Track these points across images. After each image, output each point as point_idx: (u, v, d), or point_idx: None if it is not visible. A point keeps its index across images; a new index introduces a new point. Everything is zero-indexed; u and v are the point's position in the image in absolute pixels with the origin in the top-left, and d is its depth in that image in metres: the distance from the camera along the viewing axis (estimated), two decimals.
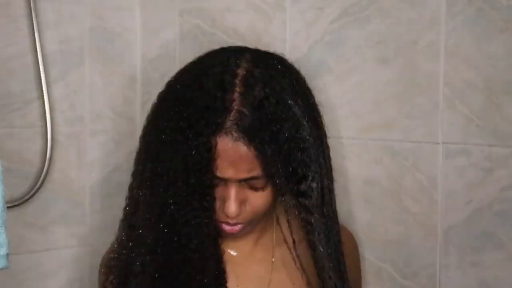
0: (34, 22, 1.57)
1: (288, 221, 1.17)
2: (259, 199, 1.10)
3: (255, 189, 1.09)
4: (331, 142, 1.38)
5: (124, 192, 1.58)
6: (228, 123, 1.05)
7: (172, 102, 1.11)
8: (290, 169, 1.07)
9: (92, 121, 1.70)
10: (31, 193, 1.58)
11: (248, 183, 1.08)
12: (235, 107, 1.05)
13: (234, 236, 1.14)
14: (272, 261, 1.19)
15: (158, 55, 1.72)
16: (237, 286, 1.15)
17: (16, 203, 1.56)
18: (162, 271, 1.10)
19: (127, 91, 1.75)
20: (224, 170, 1.06)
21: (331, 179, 1.16)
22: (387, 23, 1.29)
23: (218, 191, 1.08)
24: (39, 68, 1.58)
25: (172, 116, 1.09)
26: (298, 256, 1.17)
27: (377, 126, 1.31)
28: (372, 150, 1.32)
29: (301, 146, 1.08)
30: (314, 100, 1.15)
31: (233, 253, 1.19)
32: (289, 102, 1.08)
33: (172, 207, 1.08)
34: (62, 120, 1.65)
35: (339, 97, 1.37)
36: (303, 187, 1.09)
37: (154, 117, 1.14)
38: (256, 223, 1.15)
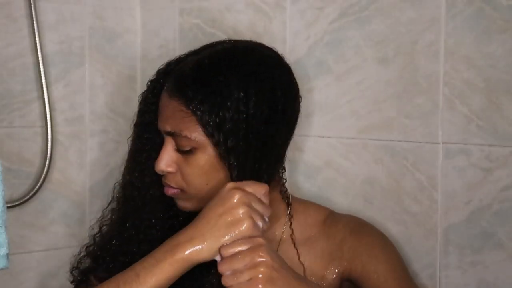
0: (34, 22, 1.57)
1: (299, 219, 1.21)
2: (188, 165, 1.12)
3: (183, 152, 1.12)
4: (331, 142, 1.38)
5: None
6: (170, 81, 1.14)
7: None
8: (216, 138, 1.09)
9: (92, 121, 1.70)
10: (31, 193, 1.58)
11: (178, 146, 1.12)
12: (184, 67, 1.13)
13: (183, 207, 1.17)
14: None
15: (158, 55, 1.72)
16: None
17: (16, 203, 1.56)
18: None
19: (127, 91, 1.75)
20: (163, 124, 1.14)
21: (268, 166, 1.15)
22: (387, 23, 1.29)
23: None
24: (39, 68, 1.58)
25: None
26: (301, 251, 1.19)
27: (377, 126, 1.31)
28: (372, 150, 1.32)
29: (231, 119, 1.09)
30: (280, 95, 1.14)
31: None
32: (230, 79, 1.10)
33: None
34: (62, 120, 1.65)
35: (339, 97, 1.36)
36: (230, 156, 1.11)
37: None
38: (197, 202, 1.14)
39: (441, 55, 1.22)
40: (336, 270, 1.20)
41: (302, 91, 1.41)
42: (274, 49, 1.19)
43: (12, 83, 1.57)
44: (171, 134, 1.12)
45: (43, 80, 1.58)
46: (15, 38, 1.57)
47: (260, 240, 1.03)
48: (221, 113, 1.08)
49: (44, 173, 1.59)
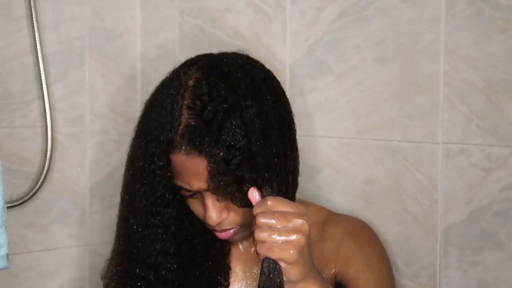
0: (34, 22, 1.57)
1: None
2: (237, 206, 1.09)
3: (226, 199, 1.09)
4: (331, 142, 1.38)
5: None
6: (178, 138, 1.06)
7: (140, 122, 1.15)
8: (243, 175, 1.05)
9: (92, 121, 1.70)
10: (31, 193, 1.58)
11: (218, 198, 1.08)
12: (183, 120, 1.06)
13: (236, 240, 1.15)
14: None
15: (158, 55, 1.72)
16: (235, 281, 1.15)
17: (16, 203, 1.56)
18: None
19: (127, 91, 1.75)
20: (192, 183, 1.07)
21: (294, 180, 1.15)
22: (387, 23, 1.29)
23: (195, 203, 1.11)
24: (39, 68, 1.58)
25: (137, 137, 1.14)
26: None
27: (377, 126, 1.31)
28: (372, 150, 1.32)
29: (252, 151, 1.06)
30: (278, 100, 1.13)
31: (240, 247, 1.20)
32: (238, 104, 1.07)
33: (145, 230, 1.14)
34: (62, 120, 1.65)
35: (339, 97, 1.36)
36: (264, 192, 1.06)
37: (133, 136, 1.18)
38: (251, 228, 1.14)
39: (441, 55, 1.22)
40: (332, 272, 1.20)
41: (302, 91, 1.42)
42: (249, 57, 1.17)
43: (12, 83, 1.57)
44: (208, 190, 1.08)
45: (43, 80, 1.58)
46: (15, 38, 1.57)
47: (306, 211, 1.00)
48: (243, 156, 1.05)
49: (44, 173, 1.59)
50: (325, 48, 1.38)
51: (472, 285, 1.20)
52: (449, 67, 1.21)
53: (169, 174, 1.09)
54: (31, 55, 1.59)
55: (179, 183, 1.09)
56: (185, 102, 1.07)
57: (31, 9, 1.56)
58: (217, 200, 1.08)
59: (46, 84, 1.58)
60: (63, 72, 1.65)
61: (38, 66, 1.58)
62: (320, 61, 1.39)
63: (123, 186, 1.19)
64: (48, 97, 1.59)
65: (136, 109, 1.75)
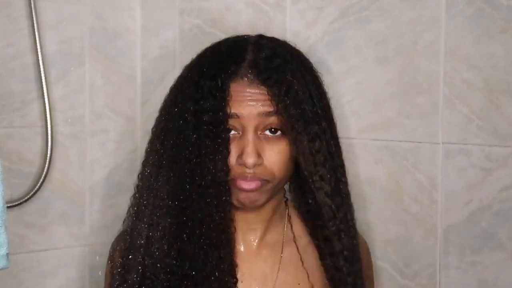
0: (34, 22, 1.57)
1: (299, 219, 1.21)
2: (275, 153, 1.11)
3: (270, 139, 1.11)
4: None
5: (124, 192, 1.59)
6: (242, 69, 1.11)
7: (187, 72, 1.17)
8: (303, 120, 1.10)
9: (92, 121, 1.70)
10: (31, 193, 1.58)
11: (264, 134, 1.10)
12: (248, 58, 1.12)
13: (249, 203, 1.13)
14: (280, 260, 1.19)
15: (158, 55, 1.72)
16: (241, 282, 1.14)
17: (16, 203, 1.56)
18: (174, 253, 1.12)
19: (127, 91, 1.75)
20: (241, 108, 1.09)
21: (339, 154, 1.18)
22: (387, 23, 1.29)
23: (234, 145, 1.11)
24: (39, 68, 1.58)
25: (187, 81, 1.15)
26: (303, 257, 1.18)
27: (377, 126, 1.31)
28: (372, 150, 1.32)
29: (313, 103, 1.13)
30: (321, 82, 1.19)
31: (240, 248, 1.18)
32: (299, 68, 1.14)
33: (189, 174, 1.11)
34: (62, 120, 1.65)
35: (339, 97, 1.36)
36: (317, 145, 1.11)
37: (170, 95, 1.19)
38: (270, 195, 1.14)
39: (441, 55, 1.22)
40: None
41: None
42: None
43: (12, 83, 1.57)
44: (266, 115, 1.10)
45: (43, 80, 1.58)
46: (15, 38, 1.57)
47: None
48: (303, 106, 1.11)
49: (44, 173, 1.59)
50: (325, 48, 1.38)
51: (472, 285, 1.20)
52: (449, 67, 1.21)
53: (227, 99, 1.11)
54: (31, 55, 1.59)
55: (233, 110, 1.10)
56: (249, 48, 1.14)
57: (31, 9, 1.56)
58: (258, 138, 1.11)
59: (46, 84, 1.58)
60: (63, 72, 1.65)
61: (38, 66, 1.58)
62: (320, 61, 1.39)
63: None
64: (48, 97, 1.59)
65: (136, 109, 1.75)
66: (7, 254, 1.16)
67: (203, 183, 1.10)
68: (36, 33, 1.57)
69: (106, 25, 1.71)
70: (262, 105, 1.10)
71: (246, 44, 1.15)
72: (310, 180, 1.12)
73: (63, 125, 1.65)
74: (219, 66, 1.13)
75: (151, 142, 1.18)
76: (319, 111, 1.13)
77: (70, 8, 1.65)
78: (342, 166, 1.18)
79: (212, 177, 1.09)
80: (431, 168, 1.24)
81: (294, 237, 1.20)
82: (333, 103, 1.37)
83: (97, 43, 1.70)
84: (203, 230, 1.10)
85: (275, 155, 1.11)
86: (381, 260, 1.31)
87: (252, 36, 1.18)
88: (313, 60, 1.40)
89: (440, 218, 1.23)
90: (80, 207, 1.68)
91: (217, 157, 1.09)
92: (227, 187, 1.10)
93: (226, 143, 1.10)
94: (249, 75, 1.11)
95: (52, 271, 1.65)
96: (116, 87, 1.73)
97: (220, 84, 1.10)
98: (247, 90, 1.10)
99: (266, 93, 1.10)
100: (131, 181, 1.75)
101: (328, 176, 1.13)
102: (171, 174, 1.12)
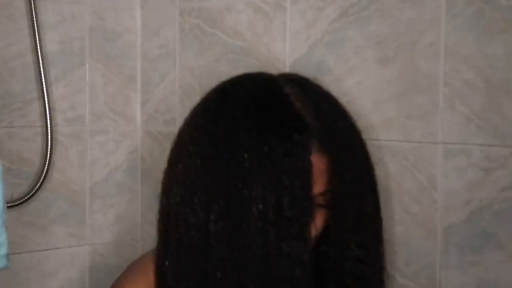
0: (34, 22, 1.57)
1: None
2: (321, 218, 1.04)
3: (319, 206, 1.02)
4: None
5: (124, 192, 1.58)
6: (311, 139, 1.00)
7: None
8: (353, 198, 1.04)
9: (92, 121, 1.70)
10: (31, 193, 1.58)
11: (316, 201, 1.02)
12: (309, 122, 1.01)
13: None
14: None
15: (158, 55, 1.72)
16: None
17: (16, 203, 1.56)
18: None
19: (127, 91, 1.75)
20: (322, 187, 1.01)
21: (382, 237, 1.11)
22: (387, 23, 1.29)
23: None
24: (39, 68, 1.58)
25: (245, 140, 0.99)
26: None
27: (377, 126, 1.31)
28: (372, 150, 1.32)
29: (365, 178, 1.06)
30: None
31: None
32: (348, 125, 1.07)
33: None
34: (62, 120, 1.65)
35: (339, 97, 1.36)
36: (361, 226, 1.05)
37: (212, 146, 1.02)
38: None
39: (441, 55, 1.22)
40: None
41: None
42: None
43: (12, 83, 1.57)
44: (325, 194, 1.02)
45: (43, 80, 1.58)
46: (15, 38, 1.58)
47: None
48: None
49: (44, 173, 1.59)
50: (325, 48, 1.38)
51: (472, 285, 1.20)
52: (449, 67, 1.21)
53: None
54: (31, 55, 1.59)
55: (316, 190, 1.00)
56: (298, 105, 1.02)
57: (31, 9, 1.56)
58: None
59: (46, 84, 1.58)
60: (63, 72, 1.65)
61: (38, 66, 1.58)
62: (320, 61, 1.39)
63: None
64: (48, 97, 1.59)
65: (136, 109, 1.76)
66: (7, 254, 1.16)
67: None
68: (36, 33, 1.57)
69: (106, 25, 1.71)
70: (324, 184, 1.01)
71: (290, 99, 1.02)
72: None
73: (63, 125, 1.65)
74: (291, 137, 0.98)
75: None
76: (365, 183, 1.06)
77: (70, 8, 1.65)
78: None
79: None
80: (431, 168, 1.24)
81: None
82: None
83: (97, 43, 1.70)
84: None
85: (320, 221, 1.03)
86: None
87: (280, 81, 1.05)
88: (313, 60, 1.40)
89: (440, 218, 1.23)
90: (80, 207, 1.68)
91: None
92: None
93: None
94: (316, 145, 0.99)
95: (52, 271, 1.65)
96: (116, 87, 1.73)
97: (303, 161, 0.98)
98: (316, 163, 0.99)
99: (329, 166, 1.00)
100: (131, 181, 1.75)
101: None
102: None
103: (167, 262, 1.03)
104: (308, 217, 0.98)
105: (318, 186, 1.00)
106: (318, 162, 0.99)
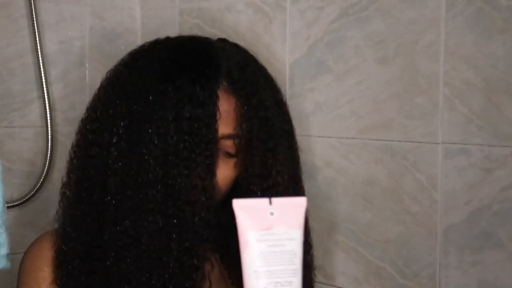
0: (34, 22, 1.57)
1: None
2: (229, 168, 1.05)
3: (228, 154, 1.05)
4: (331, 142, 1.39)
5: None
6: (221, 76, 1.03)
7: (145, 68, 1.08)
8: (263, 142, 1.05)
9: None
10: (31, 193, 1.58)
11: (223, 147, 1.04)
12: (224, 64, 1.05)
13: None
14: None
15: None
16: None
17: (16, 203, 1.55)
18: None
19: None
20: (228, 127, 1.03)
21: (298, 179, 1.14)
22: (387, 23, 1.29)
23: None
24: (39, 68, 1.58)
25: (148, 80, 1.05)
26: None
27: (377, 126, 1.31)
28: (372, 150, 1.32)
29: (275, 127, 1.06)
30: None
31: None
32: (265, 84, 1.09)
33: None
34: (62, 120, 1.64)
35: (339, 97, 1.36)
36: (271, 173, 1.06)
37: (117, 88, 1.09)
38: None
39: (441, 55, 1.22)
40: None
41: (302, 91, 1.42)
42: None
43: (12, 83, 1.57)
44: (233, 137, 1.04)
45: (43, 80, 1.58)
46: (15, 38, 1.57)
47: None
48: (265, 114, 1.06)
49: (44, 173, 1.59)
50: (325, 48, 1.38)
51: (472, 285, 1.20)
52: (449, 67, 1.21)
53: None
54: (31, 55, 1.59)
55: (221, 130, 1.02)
56: (219, 52, 1.08)
57: (31, 9, 1.56)
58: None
59: (46, 84, 1.58)
60: (63, 72, 1.65)
61: (38, 66, 1.58)
62: (320, 61, 1.39)
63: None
64: (48, 97, 1.59)
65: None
66: (7, 254, 1.16)
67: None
68: (36, 33, 1.57)
69: (106, 25, 1.71)
70: (234, 127, 1.04)
71: (214, 49, 1.08)
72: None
73: (63, 125, 1.65)
74: (192, 69, 1.03)
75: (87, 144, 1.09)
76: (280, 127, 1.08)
77: (70, 8, 1.65)
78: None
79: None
80: (431, 168, 1.24)
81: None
82: (333, 103, 1.37)
83: (97, 43, 1.70)
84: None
85: (227, 170, 1.06)
86: (381, 260, 1.31)
87: (215, 40, 1.13)
88: (313, 60, 1.40)
89: (440, 218, 1.23)
90: None
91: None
92: None
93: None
94: (225, 86, 1.03)
95: None
96: None
97: (209, 95, 1.01)
98: (225, 103, 1.02)
99: (239, 110, 1.03)
100: None
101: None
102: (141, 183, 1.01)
103: (67, 192, 1.11)
104: (210, 147, 1.00)
105: (225, 127, 1.02)
106: (225, 101, 1.02)
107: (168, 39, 1.14)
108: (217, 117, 1.00)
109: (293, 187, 1.11)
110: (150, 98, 1.02)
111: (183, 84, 1.01)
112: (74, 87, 1.66)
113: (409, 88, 1.27)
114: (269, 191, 1.05)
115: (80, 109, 1.68)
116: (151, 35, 1.75)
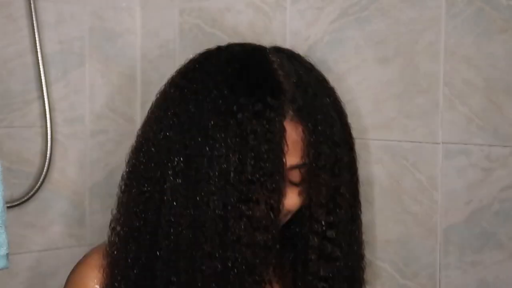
0: (34, 22, 1.57)
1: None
2: (295, 196, 0.99)
3: (291, 183, 0.97)
4: None
5: None
6: (286, 104, 0.95)
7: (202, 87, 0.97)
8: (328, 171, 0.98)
9: (92, 121, 1.70)
10: (31, 193, 1.58)
11: (288, 178, 0.97)
12: (286, 88, 0.96)
13: None
14: None
15: (158, 55, 1.72)
16: None
17: (16, 203, 1.56)
18: None
19: (127, 91, 1.75)
20: (296, 158, 0.96)
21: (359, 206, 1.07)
22: (387, 23, 1.29)
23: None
24: (39, 68, 1.58)
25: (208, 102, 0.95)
26: None
27: (377, 126, 1.31)
28: (372, 150, 1.32)
29: (342, 152, 1.00)
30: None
31: None
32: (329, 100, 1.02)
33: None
34: (62, 120, 1.65)
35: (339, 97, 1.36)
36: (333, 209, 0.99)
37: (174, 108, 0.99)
38: None
39: (441, 55, 1.22)
40: None
41: None
42: None
43: (12, 83, 1.57)
44: (300, 167, 0.97)
45: (43, 80, 1.58)
46: (15, 38, 1.58)
47: None
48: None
49: (44, 173, 1.59)
50: (325, 48, 1.38)
51: (472, 285, 1.20)
52: (449, 67, 1.21)
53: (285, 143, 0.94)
54: (31, 55, 1.59)
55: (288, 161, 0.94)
56: (280, 73, 0.97)
57: (31, 9, 1.56)
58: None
59: (46, 84, 1.59)
60: (63, 72, 1.65)
61: (38, 66, 1.58)
62: (320, 61, 1.39)
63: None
64: (48, 97, 1.59)
65: (136, 109, 1.76)
66: (7, 254, 1.16)
67: None
68: (36, 33, 1.57)
69: (106, 25, 1.71)
70: (300, 156, 0.96)
71: (272, 65, 0.98)
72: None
73: (63, 125, 1.65)
74: (254, 99, 0.93)
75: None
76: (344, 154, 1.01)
77: (70, 8, 1.65)
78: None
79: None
80: (431, 168, 1.24)
81: None
82: None
83: (97, 43, 1.70)
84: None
85: (294, 198, 0.99)
86: (381, 260, 1.31)
87: (270, 51, 1.02)
88: (313, 60, 1.40)
89: (440, 218, 1.23)
90: (80, 207, 1.68)
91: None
92: None
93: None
94: (291, 113, 0.95)
95: (52, 271, 1.65)
96: (116, 87, 1.73)
97: (275, 126, 0.92)
98: (291, 132, 0.94)
99: (305, 138, 0.95)
100: None
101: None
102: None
103: (118, 227, 1.04)
104: (276, 183, 0.93)
105: (292, 157, 0.95)
106: (292, 131, 0.94)
107: (219, 52, 1.02)
108: (285, 151, 0.93)
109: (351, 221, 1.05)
110: (210, 133, 0.93)
111: (246, 118, 0.92)
112: (74, 87, 1.67)
113: (409, 88, 1.27)
114: (331, 224, 1.00)
115: (80, 109, 1.69)
116: (151, 35, 1.75)
